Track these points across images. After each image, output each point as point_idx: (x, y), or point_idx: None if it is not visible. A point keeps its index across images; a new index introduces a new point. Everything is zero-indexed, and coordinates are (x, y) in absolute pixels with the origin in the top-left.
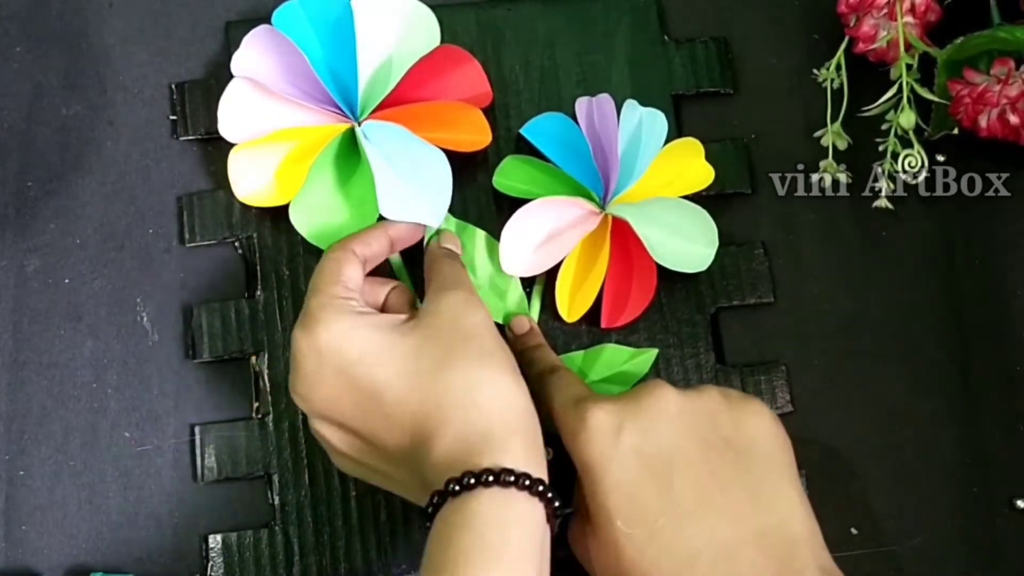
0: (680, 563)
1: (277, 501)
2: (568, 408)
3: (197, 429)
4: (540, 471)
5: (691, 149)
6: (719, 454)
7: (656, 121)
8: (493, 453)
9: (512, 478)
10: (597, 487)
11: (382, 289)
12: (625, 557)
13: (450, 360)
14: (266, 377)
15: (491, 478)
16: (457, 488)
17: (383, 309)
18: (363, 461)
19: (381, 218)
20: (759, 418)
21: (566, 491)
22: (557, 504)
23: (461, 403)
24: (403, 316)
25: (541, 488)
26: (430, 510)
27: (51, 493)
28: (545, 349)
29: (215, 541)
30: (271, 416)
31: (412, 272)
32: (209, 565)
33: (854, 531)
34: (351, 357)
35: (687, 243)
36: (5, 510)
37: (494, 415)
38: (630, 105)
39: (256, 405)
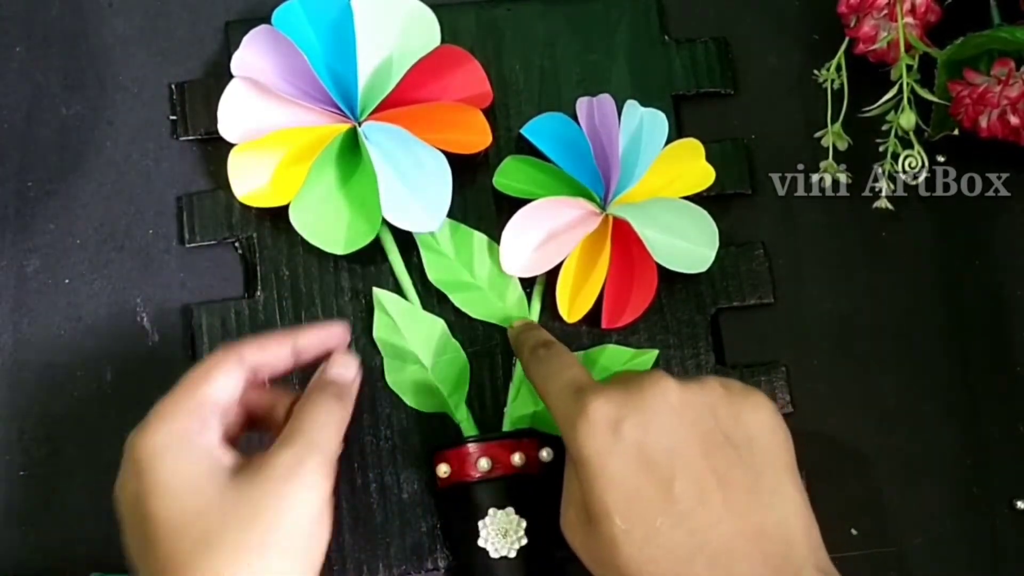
0: (678, 562)
1: None
2: (567, 396)
3: None
4: None
5: (692, 150)
6: (719, 449)
7: (657, 121)
8: None
9: None
10: (595, 482)
11: (281, 402)
12: (622, 554)
13: (218, 544)
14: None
15: None
16: None
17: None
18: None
19: (383, 220)
20: (760, 412)
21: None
22: None
23: None
24: (235, 460)
25: None
26: None
27: (51, 494)
28: (537, 328)
29: None
30: None
31: (411, 274)
32: None
33: (854, 531)
34: (147, 485)
35: (688, 244)
36: (5, 511)
37: None
38: (631, 105)
39: None
